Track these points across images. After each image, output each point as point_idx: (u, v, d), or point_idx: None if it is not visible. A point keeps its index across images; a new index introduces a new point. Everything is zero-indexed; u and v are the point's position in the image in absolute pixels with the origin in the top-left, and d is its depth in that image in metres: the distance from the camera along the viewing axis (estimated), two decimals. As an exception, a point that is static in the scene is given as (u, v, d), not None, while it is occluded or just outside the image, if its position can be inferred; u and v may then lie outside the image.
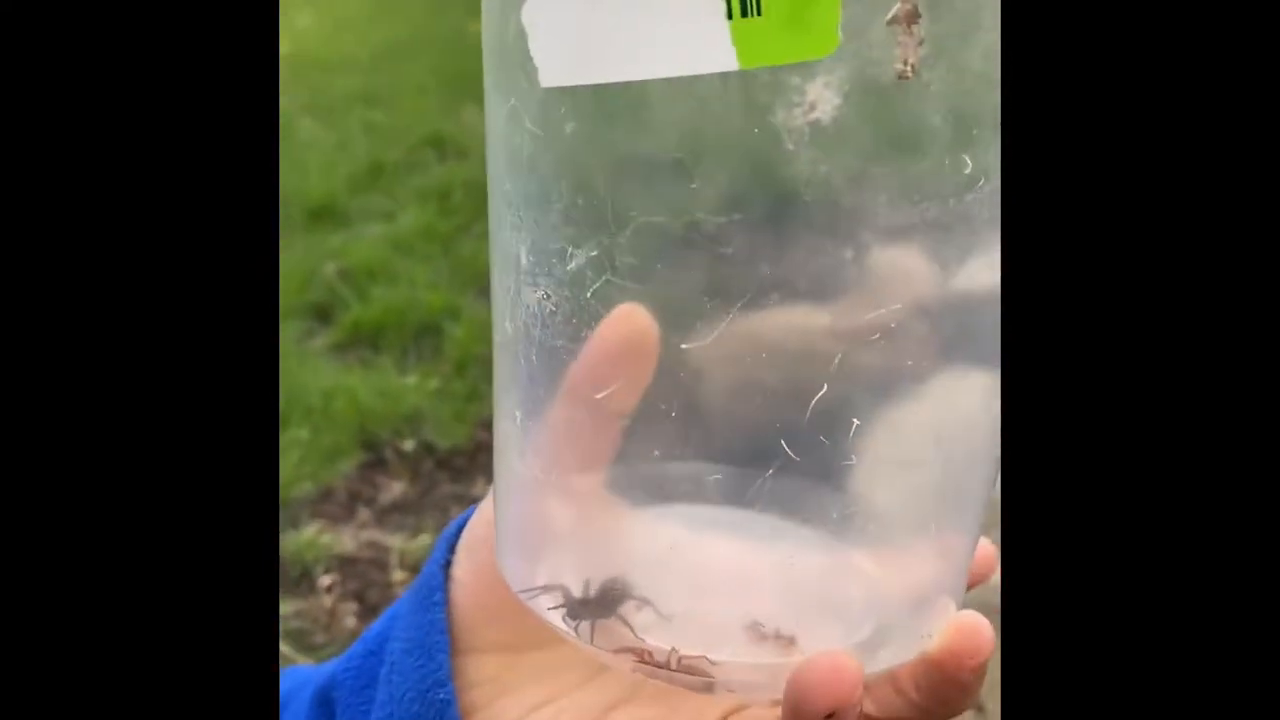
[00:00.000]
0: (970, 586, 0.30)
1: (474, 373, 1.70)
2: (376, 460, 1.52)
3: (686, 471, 0.26)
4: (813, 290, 0.23)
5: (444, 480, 1.49)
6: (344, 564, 1.32)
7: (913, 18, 0.20)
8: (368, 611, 1.26)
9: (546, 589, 0.27)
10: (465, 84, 3.34)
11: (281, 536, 1.32)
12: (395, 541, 1.36)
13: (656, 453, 0.26)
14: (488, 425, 1.62)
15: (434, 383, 1.67)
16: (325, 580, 1.30)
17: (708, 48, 0.19)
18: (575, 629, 0.26)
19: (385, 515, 1.42)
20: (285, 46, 3.77)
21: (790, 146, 0.21)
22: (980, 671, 0.27)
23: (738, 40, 0.19)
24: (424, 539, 1.37)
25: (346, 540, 1.36)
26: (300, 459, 1.46)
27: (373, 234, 2.18)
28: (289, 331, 1.77)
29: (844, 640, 0.27)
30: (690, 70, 0.20)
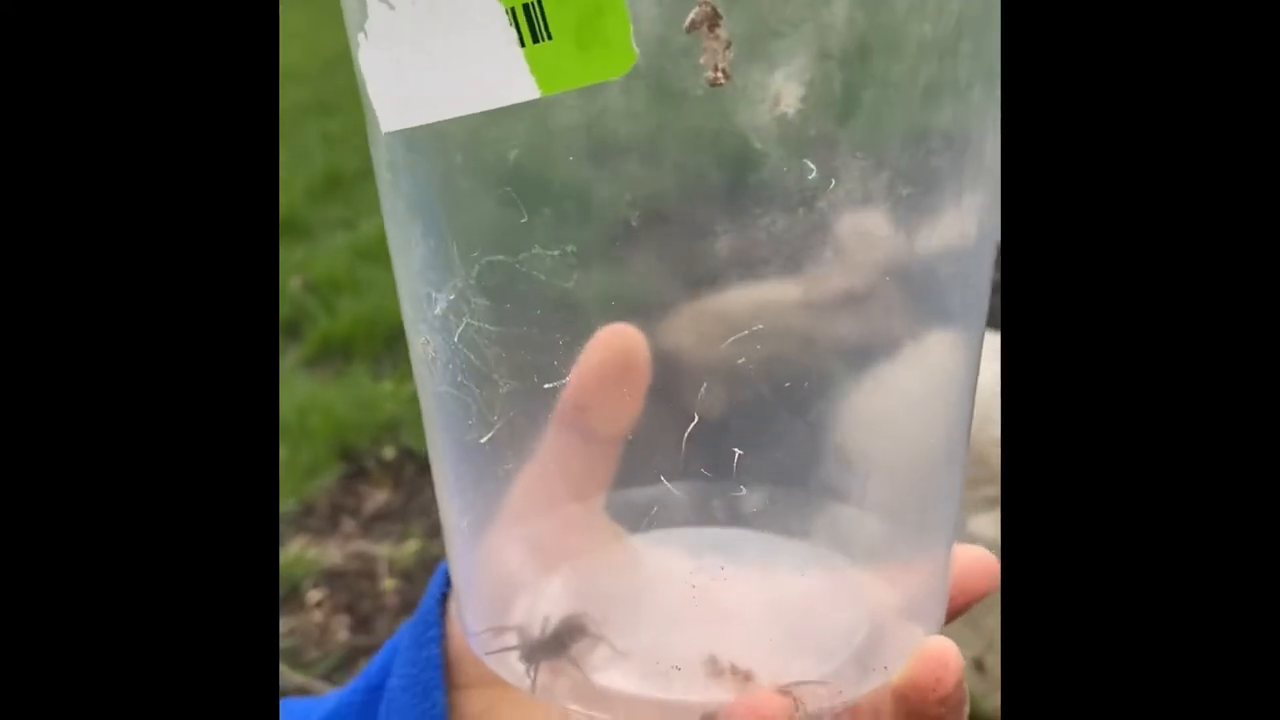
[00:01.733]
0: (968, 605, 0.29)
1: (448, 375, 1.70)
2: (357, 470, 1.51)
3: (662, 493, 0.25)
4: (772, 263, 0.22)
5: (427, 485, 1.49)
6: (332, 577, 1.32)
7: (713, 21, 0.19)
8: (360, 623, 1.26)
9: (503, 629, 0.26)
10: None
11: (267, 555, 1.31)
12: (382, 550, 1.35)
13: (636, 474, 0.25)
14: (466, 427, 1.62)
15: (409, 388, 1.66)
16: (314, 595, 1.29)
17: (511, 78, 0.19)
18: (526, 673, 0.25)
19: (370, 524, 1.41)
20: (232, 62, 3.73)
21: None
22: (952, 703, 0.25)
23: (534, 68, 0.19)
24: (411, 544, 1.36)
25: (333, 553, 1.35)
26: (280, 476, 1.45)
27: (335, 244, 2.16)
28: (258, 348, 1.75)
29: (810, 673, 0.25)
30: (499, 102, 0.20)
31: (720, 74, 0.19)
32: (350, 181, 2.51)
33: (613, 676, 0.24)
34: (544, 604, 0.26)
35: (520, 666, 0.25)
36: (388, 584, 1.31)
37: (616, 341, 0.23)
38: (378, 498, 1.46)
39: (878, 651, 0.25)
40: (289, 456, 1.49)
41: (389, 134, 0.22)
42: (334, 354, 1.79)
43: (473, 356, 0.23)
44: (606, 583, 0.27)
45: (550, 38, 0.19)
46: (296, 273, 2.04)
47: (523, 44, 0.19)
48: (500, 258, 0.22)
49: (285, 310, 1.90)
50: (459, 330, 0.23)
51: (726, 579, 0.25)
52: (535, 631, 0.25)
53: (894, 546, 0.27)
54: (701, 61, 0.19)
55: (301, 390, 1.63)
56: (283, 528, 1.38)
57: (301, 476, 1.46)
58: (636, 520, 0.26)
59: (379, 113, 0.22)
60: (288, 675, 1.17)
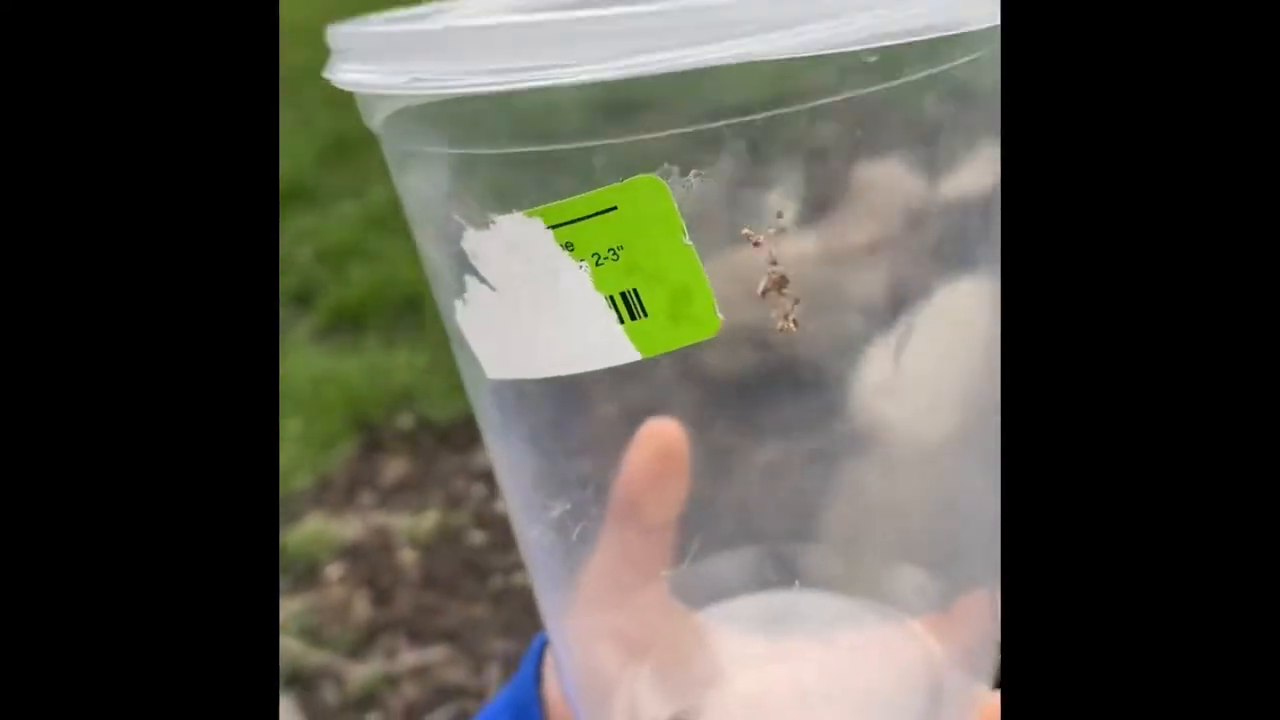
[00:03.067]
0: None
1: (463, 342, 1.67)
2: (374, 442, 1.49)
3: (734, 560, 0.28)
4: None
5: (445, 454, 1.46)
6: (351, 552, 1.30)
7: (781, 284, 0.21)
8: (380, 598, 1.24)
9: None
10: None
11: (283, 531, 1.29)
12: (401, 522, 1.33)
13: (697, 546, 0.27)
14: (483, 394, 1.59)
15: (424, 358, 1.62)
16: (333, 571, 1.27)
17: (613, 346, 0.22)
18: None
19: (388, 497, 1.39)
20: (236, 28, 3.68)
21: None
22: None
23: (633, 339, 0.21)
24: (430, 516, 1.34)
25: (351, 527, 1.33)
26: (296, 451, 1.42)
27: (345, 211, 2.13)
28: (270, 320, 1.73)
29: None
30: (604, 365, 0.22)
31: (791, 324, 0.21)
32: (357, 146, 2.47)
33: None
34: (645, 706, 0.27)
35: None
36: (407, 556, 1.29)
37: (657, 438, 0.26)
38: (395, 469, 1.44)
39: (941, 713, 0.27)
40: (304, 430, 1.46)
41: (495, 381, 0.24)
42: (345, 324, 1.76)
43: (587, 548, 0.26)
44: (694, 674, 0.29)
45: (646, 315, 0.21)
46: (307, 242, 2.01)
47: (622, 321, 0.21)
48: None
49: (296, 280, 1.87)
50: (576, 531, 0.25)
51: (797, 654, 0.27)
52: None
53: (940, 595, 0.27)
54: (772, 315, 0.21)
55: (315, 362, 1.61)
56: (300, 504, 1.37)
57: (318, 450, 1.44)
58: (698, 597, 0.28)
59: (483, 363, 0.23)
60: (309, 654, 1.15)
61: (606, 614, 0.28)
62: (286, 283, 1.86)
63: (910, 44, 0.19)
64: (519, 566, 1.24)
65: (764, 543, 0.27)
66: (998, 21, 0.20)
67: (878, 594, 0.27)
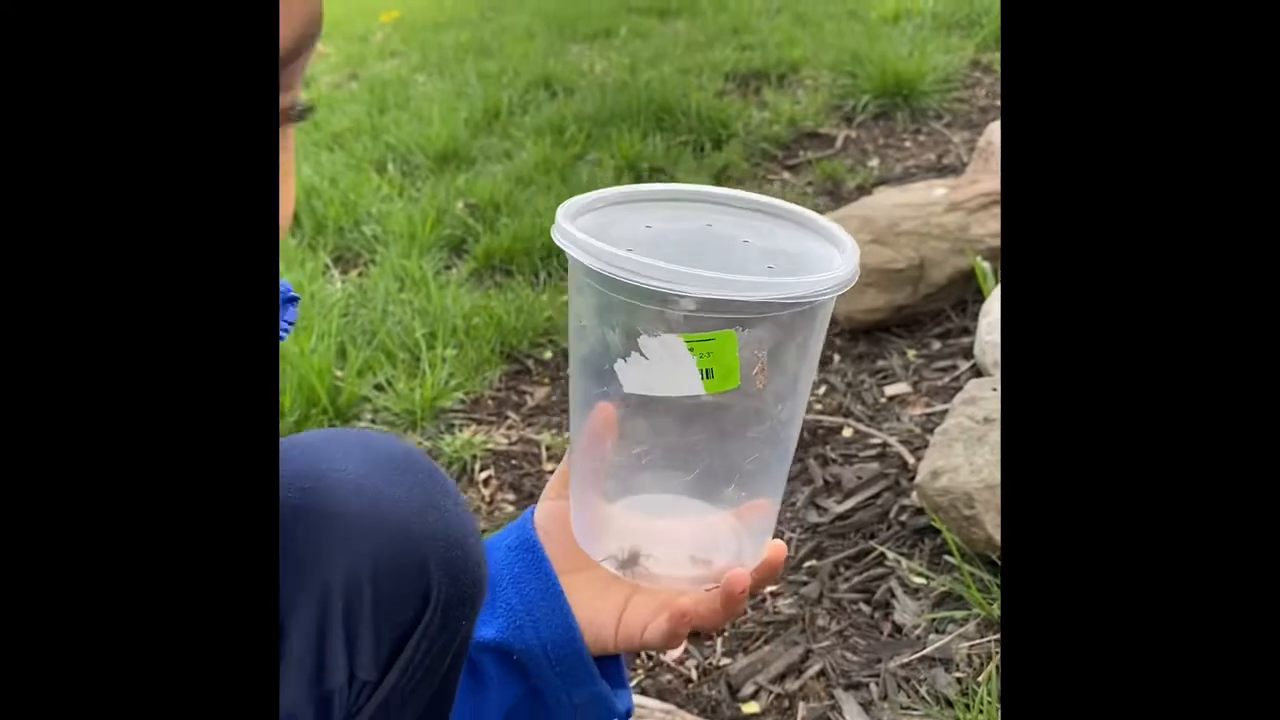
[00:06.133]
0: (763, 584, 0.62)
1: (600, 286, 1.81)
2: (520, 370, 1.65)
3: (649, 478, 0.60)
4: None
5: (581, 382, 1.61)
6: (499, 458, 1.45)
7: (764, 368, 0.52)
8: (524, 498, 1.39)
9: (607, 559, 0.60)
10: (569, 26, 3.42)
11: (439, 440, 1.46)
12: (543, 438, 1.49)
13: (638, 460, 0.59)
14: (617, 332, 1.73)
15: (562, 298, 1.78)
16: (483, 474, 1.43)
17: (696, 387, 0.52)
18: (622, 572, 0.60)
19: (532, 416, 1.55)
20: (399, 11, 3.91)
21: None
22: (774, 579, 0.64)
23: (706, 386, 0.52)
24: (568, 434, 1.49)
25: (499, 438, 1.49)
26: (450, 373, 1.60)
27: (495, 171, 2.31)
28: (429, 265, 1.91)
29: (727, 562, 0.60)
30: (690, 394, 0.52)
31: (762, 381, 0.53)
32: (507, 115, 2.65)
33: (653, 568, 0.60)
34: (619, 542, 0.60)
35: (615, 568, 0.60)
36: (548, 466, 1.44)
37: (605, 410, 0.56)
38: (538, 393, 1.60)
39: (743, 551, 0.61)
40: (457, 355, 1.63)
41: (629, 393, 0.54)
42: (495, 268, 1.93)
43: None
44: (640, 525, 0.61)
45: (712, 378, 0.52)
46: (460, 197, 2.20)
47: (702, 379, 0.52)
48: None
49: (452, 230, 2.06)
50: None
51: (682, 520, 0.61)
52: (622, 555, 0.60)
53: (742, 500, 0.60)
54: (755, 377, 0.52)
55: (468, 300, 1.78)
56: (453, 418, 1.54)
57: (469, 373, 1.60)
58: (624, 491, 0.62)
59: (623, 382, 0.53)
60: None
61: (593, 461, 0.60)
62: (443, 232, 2.05)
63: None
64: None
65: (661, 471, 0.59)
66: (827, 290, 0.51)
67: (714, 499, 0.59)
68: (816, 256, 0.55)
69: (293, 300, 0.44)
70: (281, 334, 0.42)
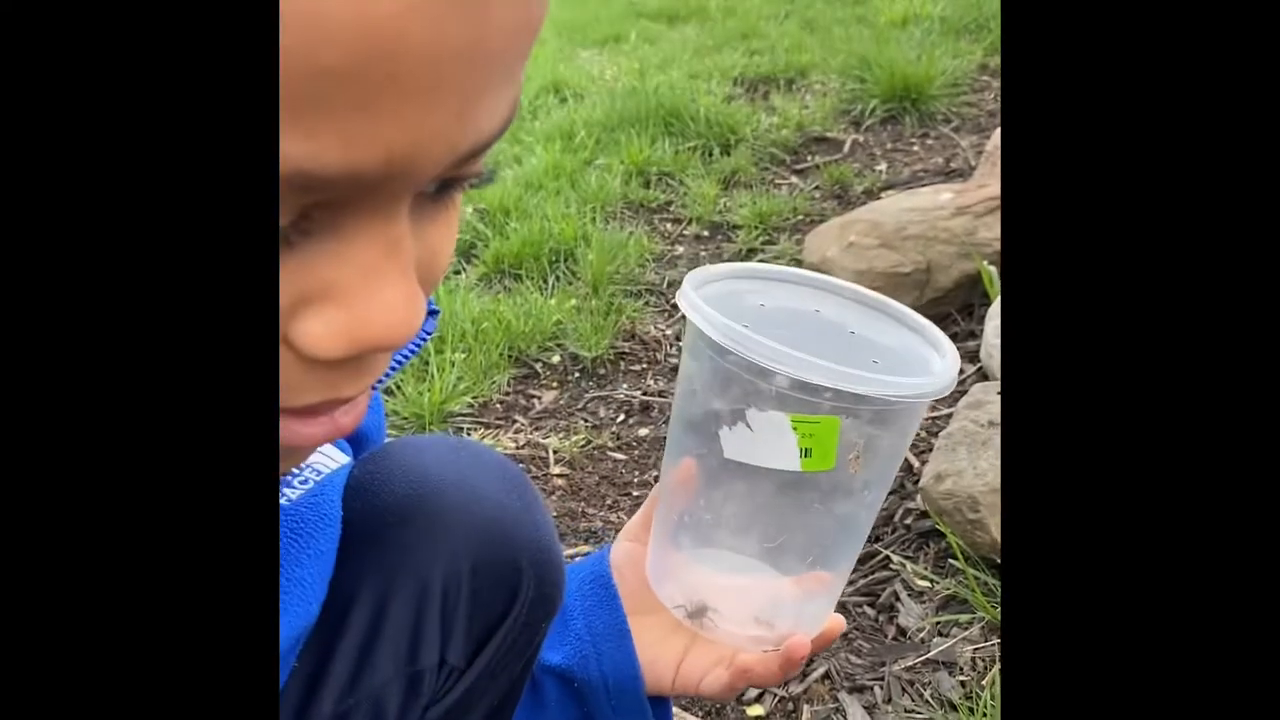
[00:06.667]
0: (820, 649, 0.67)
1: (607, 290, 1.82)
2: (528, 374, 1.66)
3: (728, 536, 0.64)
4: None
5: (589, 386, 1.62)
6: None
7: (859, 455, 0.57)
8: (531, 501, 1.40)
9: (676, 607, 0.64)
10: (578, 32, 3.44)
11: (449, 444, 1.47)
12: (551, 441, 1.49)
13: (720, 518, 0.63)
14: (624, 336, 1.74)
15: (572, 302, 1.79)
16: (491, 477, 1.44)
17: (794, 463, 0.55)
18: (689, 621, 0.64)
19: (539, 420, 1.56)
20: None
21: None
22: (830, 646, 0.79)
23: (803, 464, 0.56)
24: (577, 438, 1.49)
25: (507, 442, 1.50)
26: (458, 377, 1.61)
27: (505, 177, 2.32)
28: (438, 269, 1.92)
29: (788, 627, 0.63)
30: (787, 468, 0.56)
31: (856, 467, 0.57)
32: (518, 120, 2.67)
33: (719, 623, 0.63)
34: (689, 592, 0.64)
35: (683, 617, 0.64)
36: (555, 469, 1.45)
37: (687, 468, 0.62)
38: (546, 397, 1.61)
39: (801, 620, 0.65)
40: (466, 359, 1.65)
41: (730, 459, 0.58)
42: (505, 273, 1.94)
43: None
44: (707, 583, 0.64)
45: (810, 457, 0.55)
46: (470, 202, 2.21)
47: (801, 458, 0.55)
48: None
49: (461, 235, 2.07)
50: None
51: (750, 581, 0.64)
52: (690, 605, 0.63)
53: (804, 569, 0.64)
54: (850, 462, 0.57)
55: (477, 304, 1.79)
56: (461, 421, 1.54)
57: (477, 377, 1.61)
58: (699, 544, 0.65)
59: (725, 447, 0.57)
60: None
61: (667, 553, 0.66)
62: (452, 237, 2.06)
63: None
64: (649, 484, 1.38)
65: (740, 532, 0.63)
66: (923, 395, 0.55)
67: (784, 567, 0.63)
68: (916, 356, 0.59)
69: (433, 313, 0.47)
70: (420, 343, 0.47)
